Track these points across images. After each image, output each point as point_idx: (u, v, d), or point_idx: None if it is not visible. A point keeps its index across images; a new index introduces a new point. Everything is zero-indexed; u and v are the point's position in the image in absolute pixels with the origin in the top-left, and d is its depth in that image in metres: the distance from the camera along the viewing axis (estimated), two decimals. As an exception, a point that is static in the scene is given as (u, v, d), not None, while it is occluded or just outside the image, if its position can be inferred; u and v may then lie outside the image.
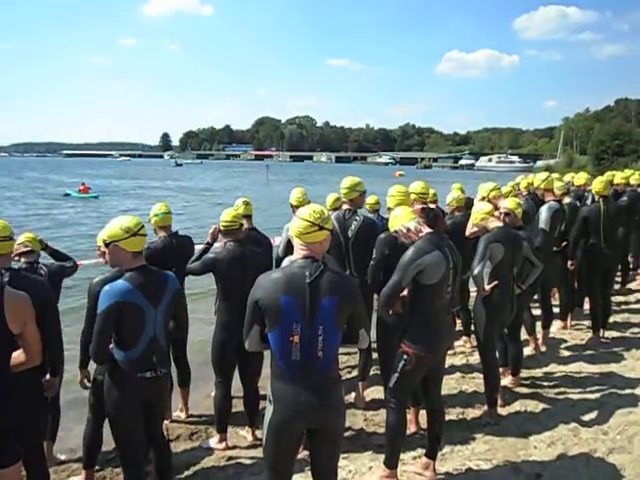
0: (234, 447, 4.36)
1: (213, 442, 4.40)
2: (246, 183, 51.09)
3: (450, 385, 5.17)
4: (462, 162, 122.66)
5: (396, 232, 3.72)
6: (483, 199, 5.76)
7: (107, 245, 3.08)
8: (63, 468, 4.18)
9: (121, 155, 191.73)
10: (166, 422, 4.60)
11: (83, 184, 36.10)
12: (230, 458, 4.19)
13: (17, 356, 2.66)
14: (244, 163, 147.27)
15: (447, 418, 4.16)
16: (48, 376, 3.33)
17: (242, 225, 4.51)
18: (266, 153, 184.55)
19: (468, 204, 6.19)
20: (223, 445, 4.33)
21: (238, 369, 4.40)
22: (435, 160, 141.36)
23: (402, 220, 3.67)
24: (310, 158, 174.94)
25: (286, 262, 3.63)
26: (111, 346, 3.08)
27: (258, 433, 4.36)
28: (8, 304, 2.52)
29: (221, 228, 4.33)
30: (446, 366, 4.76)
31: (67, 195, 34.11)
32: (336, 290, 2.57)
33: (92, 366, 3.56)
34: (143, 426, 3.18)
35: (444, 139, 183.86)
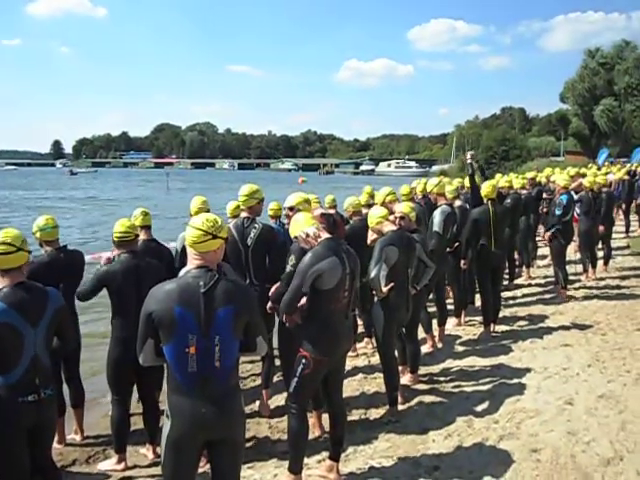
0: (134, 467, 4.18)
1: (111, 463, 4.18)
2: (146, 192, 49.42)
3: (353, 386, 5.28)
4: (363, 168, 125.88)
5: (296, 238, 3.76)
6: (382, 204, 5.95)
7: None
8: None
9: (7, 164, 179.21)
10: (59, 446, 4.35)
11: None
12: (130, 479, 4.02)
13: None
14: (143, 171, 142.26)
15: (350, 419, 4.25)
16: None
17: (137, 236, 4.37)
18: (166, 160, 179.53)
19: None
20: (122, 466, 4.13)
21: (136, 385, 4.25)
22: (337, 166, 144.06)
23: (302, 226, 3.72)
24: (212, 165, 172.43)
25: (182, 273, 3.57)
26: None
27: (159, 450, 4.20)
28: None
29: (114, 239, 4.18)
30: (348, 368, 4.89)
31: None
32: (232, 299, 2.56)
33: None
34: (28, 455, 2.97)
35: (345, 145, 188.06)
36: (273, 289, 4.03)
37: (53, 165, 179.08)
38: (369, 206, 6.34)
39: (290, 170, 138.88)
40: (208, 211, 5.11)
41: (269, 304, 3.69)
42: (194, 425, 2.52)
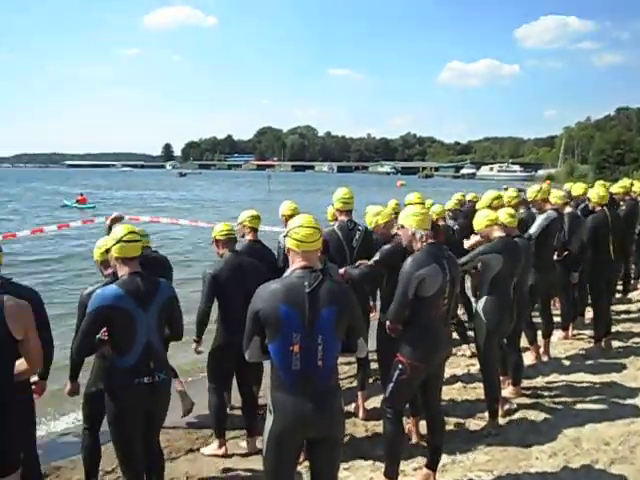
0: (232, 455, 4.37)
1: (213, 448, 4.42)
2: (248, 193, 51.11)
3: (451, 395, 5.16)
4: (463, 171, 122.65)
5: (402, 227, 3.68)
6: (488, 207, 5.72)
7: (107, 252, 3.23)
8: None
9: (123, 165, 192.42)
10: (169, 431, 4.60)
11: (81, 195, 36.15)
12: (229, 470, 4.18)
13: (20, 364, 2.71)
14: (246, 173, 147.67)
15: (448, 428, 4.15)
16: (36, 378, 3.32)
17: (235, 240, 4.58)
18: (268, 163, 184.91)
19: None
20: (222, 450, 4.35)
21: (236, 378, 4.46)
22: (436, 169, 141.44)
23: (411, 220, 3.60)
24: (312, 168, 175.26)
25: (287, 273, 3.66)
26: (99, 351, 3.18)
27: (257, 443, 4.36)
28: (8, 311, 2.56)
29: (219, 238, 4.39)
30: (446, 376, 4.78)
31: (64, 206, 34.06)
32: (335, 300, 2.59)
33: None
34: (142, 435, 3.20)
35: (445, 148, 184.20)
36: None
37: (163, 167, 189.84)
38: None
39: (389, 173, 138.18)
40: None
41: (388, 324, 3.68)
42: (295, 422, 2.58)
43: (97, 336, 3.12)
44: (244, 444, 4.48)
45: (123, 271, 3.14)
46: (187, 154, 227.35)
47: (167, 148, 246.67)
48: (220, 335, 4.31)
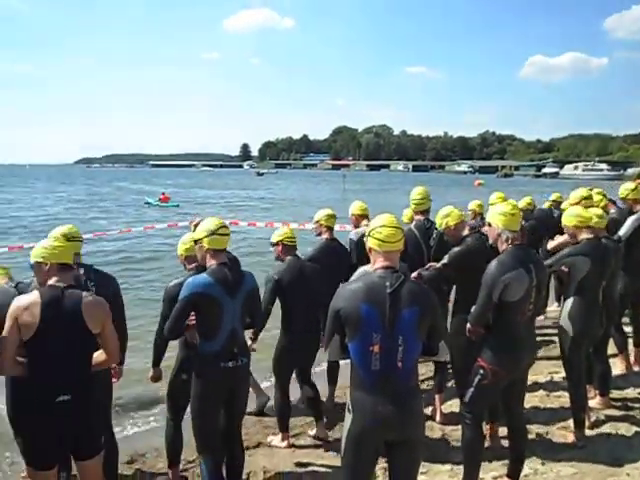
0: (299, 446, 4.53)
1: (278, 440, 4.56)
2: (324, 193, 51.45)
3: (533, 403, 4.96)
4: (545, 170, 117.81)
5: (489, 225, 3.55)
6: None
7: (195, 242, 3.41)
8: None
9: (203, 165, 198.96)
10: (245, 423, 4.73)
11: (163, 193, 37.74)
12: (306, 465, 4.22)
13: (98, 356, 2.88)
14: (321, 172, 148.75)
15: (530, 437, 4.00)
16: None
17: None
18: (343, 162, 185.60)
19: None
20: (285, 443, 4.52)
21: (296, 372, 4.57)
22: (516, 168, 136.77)
23: (501, 220, 3.45)
24: (387, 167, 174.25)
25: (361, 271, 3.67)
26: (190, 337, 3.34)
27: (319, 431, 4.61)
28: (86, 307, 2.73)
29: (282, 242, 4.45)
30: (528, 382, 4.59)
31: (147, 204, 35.58)
32: (417, 301, 2.56)
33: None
34: (223, 423, 3.35)
35: (526, 146, 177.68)
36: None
37: (241, 166, 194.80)
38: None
39: (466, 172, 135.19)
40: (367, 217, 5.21)
41: (468, 326, 3.59)
42: (374, 422, 2.56)
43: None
44: (311, 432, 4.67)
45: (212, 262, 3.27)
46: (264, 154, 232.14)
47: (245, 148, 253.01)
48: (283, 337, 4.44)
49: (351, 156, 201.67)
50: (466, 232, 4.18)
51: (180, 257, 3.89)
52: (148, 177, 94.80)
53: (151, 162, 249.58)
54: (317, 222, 5.03)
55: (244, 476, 3.73)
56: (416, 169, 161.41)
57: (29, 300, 2.68)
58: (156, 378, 3.83)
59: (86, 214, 29.34)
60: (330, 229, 5.06)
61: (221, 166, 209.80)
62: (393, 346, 2.53)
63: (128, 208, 34.24)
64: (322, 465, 4.20)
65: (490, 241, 3.58)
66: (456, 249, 4.08)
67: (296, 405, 4.81)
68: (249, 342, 4.43)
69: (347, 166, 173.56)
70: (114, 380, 3.64)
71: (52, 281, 2.76)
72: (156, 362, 3.78)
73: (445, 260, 4.08)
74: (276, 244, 4.47)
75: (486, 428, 4.06)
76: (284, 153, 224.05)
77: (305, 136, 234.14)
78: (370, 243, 2.73)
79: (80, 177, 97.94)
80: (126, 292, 3.72)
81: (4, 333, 2.68)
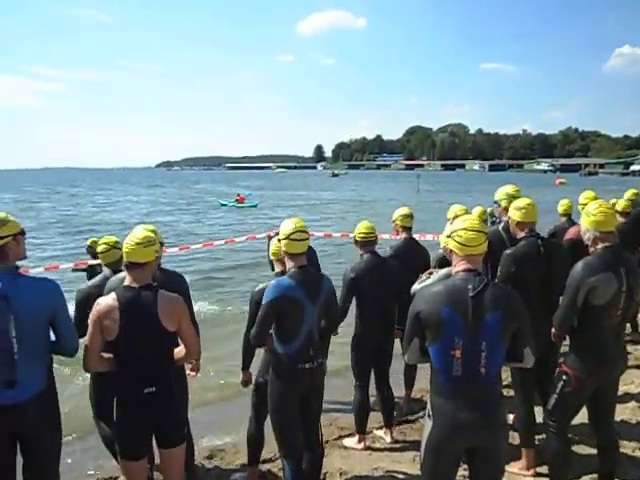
0: (374, 449, 4.49)
1: (353, 442, 4.56)
2: (398, 193, 51.01)
3: (624, 415, 4.68)
4: (634, 168, 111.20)
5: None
6: None
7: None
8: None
9: (278, 167, 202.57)
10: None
11: (239, 194, 38.68)
12: (382, 469, 4.17)
13: (179, 352, 2.98)
14: (394, 173, 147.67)
15: (621, 451, 3.76)
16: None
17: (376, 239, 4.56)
18: (417, 162, 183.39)
19: None
20: (362, 445, 4.51)
21: (374, 372, 4.54)
22: (602, 166, 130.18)
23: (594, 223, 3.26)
24: (462, 167, 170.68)
25: (440, 273, 3.60)
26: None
27: (395, 434, 4.60)
28: (161, 306, 2.80)
29: (357, 239, 4.45)
30: (619, 393, 4.33)
31: (223, 205, 36.51)
32: (501, 305, 2.46)
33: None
34: (301, 422, 3.37)
35: (612, 143, 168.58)
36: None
37: (315, 167, 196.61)
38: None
39: (546, 171, 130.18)
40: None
41: (553, 330, 3.44)
42: (455, 429, 2.49)
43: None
44: (381, 433, 4.67)
45: (290, 265, 3.30)
46: (337, 155, 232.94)
47: (318, 149, 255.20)
48: (359, 336, 4.42)
49: (425, 156, 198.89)
50: (522, 234, 3.84)
51: (272, 257, 3.94)
52: (228, 179, 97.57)
53: (228, 164, 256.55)
54: (393, 222, 5.00)
55: (320, 476, 3.74)
56: (493, 168, 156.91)
57: (108, 305, 2.76)
58: (246, 382, 3.89)
59: (172, 215, 30.64)
60: (407, 229, 4.99)
61: (295, 167, 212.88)
62: (476, 351, 2.45)
63: (204, 207, 35.38)
64: (399, 471, 4.14)
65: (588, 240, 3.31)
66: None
67: (372, 407, 4.77)
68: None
69: (421, 166, 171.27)
70: (193, 374, 3.74)
71: (128, 281, 2.84)
72: (245, 366, 3.84)
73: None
74: (357, 242, 4.47)
75: None
76: (357, 154, 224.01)
77: (378, 136, 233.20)
78: (451, 245, 2.66)
79: (162, 180, 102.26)
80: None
81: (88, 336, 2.80)
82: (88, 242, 6.34)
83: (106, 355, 2.85)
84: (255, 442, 3.97)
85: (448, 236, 2.68)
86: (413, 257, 4.80)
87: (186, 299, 3.23)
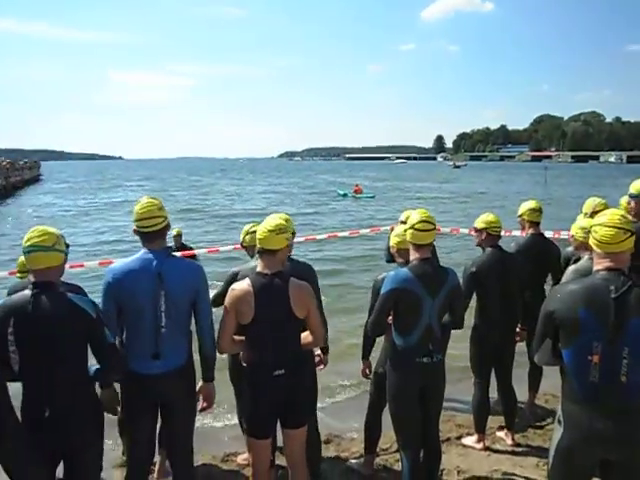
0: (494, 450, 4.35)
1: (473, 440, 4.44)
2: (524, 186, 48.54)
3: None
4: None
5: None
6: None
7: None
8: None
9: (397, 158, 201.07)
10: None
11: (357, 185, 38.82)
12: (502, 472, 4.04)
13: (305, 337, 3.06)
14: (519, 165, 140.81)
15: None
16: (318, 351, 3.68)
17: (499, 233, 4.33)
18: (544, 154, 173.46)
19: None
20: (481, 445, 4.37)
21: (495, 372, 4.38)
22: None
23: None
24: (596, 158, 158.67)
25: (572, 269, 3.41)
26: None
27: (517, 437, 4.43)
28: (292, 293, 2.89)
29: (490, 232, 4.21)
30: None
31: (343, 195, 36.84)
32: None
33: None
34: (420, 416, 3.33)
35: None
36: None
37: (434, 159, 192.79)
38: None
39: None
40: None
41: None
42: (589, 439, 2.33)
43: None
44: (502, 435, 4.51)
45: (414, 256, 3.27)
46: (458, 145, 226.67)
47: (439, 140, 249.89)
48: (479, 332, 4.26)
49: (554, 147, 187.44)
50: None
51: (392, 249, 3.94)
52: (347, 169, 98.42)
53: (347, 155, 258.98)
54: (520, 216, 4.74)
55: (438, 473, 3.68)
56: (632, 160, 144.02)
57: (243, 290, 2.88)
58: (365, 371, 3.92)
59: (299, 205, 31.59)
60: (535, 224, 4.71)
61: (415, 158, 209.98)
62: (617, 358, 2.27)
63: (323, 198, 36.02)
64: (521, 475, 3.98)
65: None
66: None
67: (493, 407, 4.61)
68: None
69: (549, 157, 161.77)
70: (320, 367, 3.76)
71: (260, 268, 2.95)
72: (365, 355, 3.86)
73: None
74: (479, 231, 4.26)
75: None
76: (480, 145, 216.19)
77: (503, 126, 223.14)
78: (590, 241, 2.49)
79: (284, 170, 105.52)
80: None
81: (223, 318, 2.95)
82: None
83: (238, 338, 2.99)
84: (372, 431, 4.00)
85: (588, 231, 2.50)
86: (541, 254, 4.54)
87: (314, 288, 3.26)
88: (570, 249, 4.29)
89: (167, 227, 3.00)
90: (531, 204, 4.75)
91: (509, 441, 4.44)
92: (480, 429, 4.40)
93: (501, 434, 4.55)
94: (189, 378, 3.01)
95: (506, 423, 4.49)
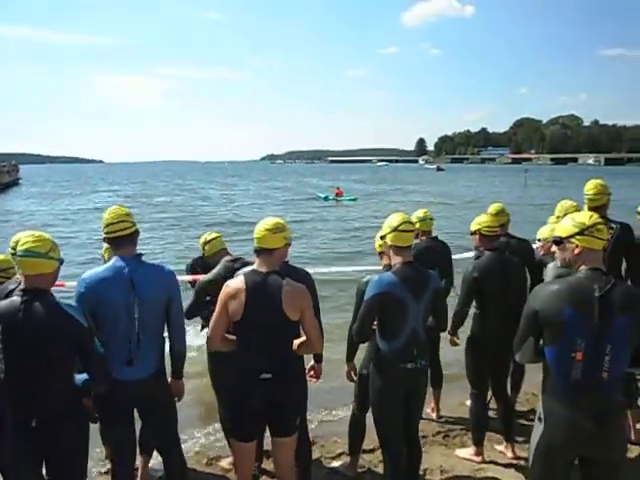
0: (491, 462, 4.19)
1: (469, 453, 4.27)
2: (503, 188, 48.96)
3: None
4: None
5: None
6: None
7: (382, 238, 3.37)
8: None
9: (379, 160, 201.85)
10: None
11: (337, 188, 38.60)
12: (484, 474, 4.04)
13: (299, 342, 2.99)
14: (500, 167, 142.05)
15: None
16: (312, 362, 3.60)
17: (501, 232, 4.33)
18: (524, 156, 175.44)
19: None
20: (479, 458, 4.19)
21: (491, 382, 4.21)
22: None
23: None
24: (574, 160, 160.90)
25: (550, 267, 3.42)
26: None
27: (517, 450, 4.22)
28: (285, 294, 2.82)
29: (484, 233, 4.12)
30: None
31: (325, 199, 36.32)
32: (630, 307, 2.29)
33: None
34: (402, 420, 3.29)
35: None
36: None
37: (416, 161, 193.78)
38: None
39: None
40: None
41: None
42: (570, 436, 2.35)
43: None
44: (502, 448, 4.30)
45: (396, 260, 3.22)
46: (439, 148, 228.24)
47: (420, 143, 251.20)
48: (476, 341, 4.11)
49: (533, 149, 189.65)
50: None
51: (377, 251, 3.90)
52: (329, 172, 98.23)
53: (329, 158, 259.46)
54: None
55: (420, 472, 3.66)
56: (609, 162, 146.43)
57: (236, 287, 2.84)
58: (349, 373, 3.87)
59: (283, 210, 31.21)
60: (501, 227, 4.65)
61: (396, 161, 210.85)
62: (599, 355, 2.30)
63: (302, 202, 35.69)
64: (504, 473, 4.00)
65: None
66: None
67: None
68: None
69: (529, 160, 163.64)
70: (314, 380, 3.64)
71: (256, 265, 2.92)
72: (349, 357, 3.81)
73: None
74: (473, 233, 4.10)
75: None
76: (461, 147, 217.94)
77: (484, 129, 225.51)
78: (575, 241, 2.44)
79: (269, 173, 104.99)
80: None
81: (215, 314, 2.90)
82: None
83: (230, 337, 2.94)
84: (356, 432, 3.97)
85: (579, 233, 2.45)
86: (516, 254, 4.50)
87: (311, 292, 3.16)
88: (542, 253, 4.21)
89: (136, 233, 3.05)
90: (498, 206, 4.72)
91: (509, 454, 4.21)
92: (478, 442, 4.21)
93: (501, 447, 4.33)
94: (162, 378, 3.06)
95: (505, 436, 4.27)
